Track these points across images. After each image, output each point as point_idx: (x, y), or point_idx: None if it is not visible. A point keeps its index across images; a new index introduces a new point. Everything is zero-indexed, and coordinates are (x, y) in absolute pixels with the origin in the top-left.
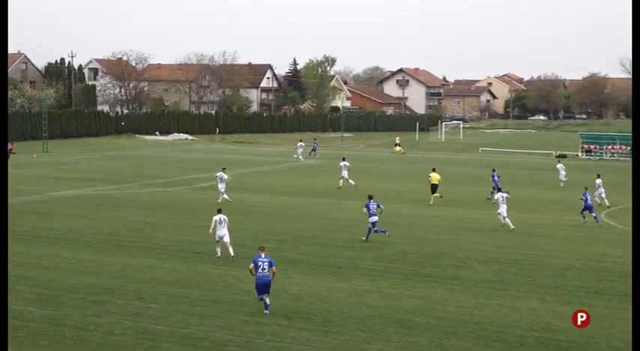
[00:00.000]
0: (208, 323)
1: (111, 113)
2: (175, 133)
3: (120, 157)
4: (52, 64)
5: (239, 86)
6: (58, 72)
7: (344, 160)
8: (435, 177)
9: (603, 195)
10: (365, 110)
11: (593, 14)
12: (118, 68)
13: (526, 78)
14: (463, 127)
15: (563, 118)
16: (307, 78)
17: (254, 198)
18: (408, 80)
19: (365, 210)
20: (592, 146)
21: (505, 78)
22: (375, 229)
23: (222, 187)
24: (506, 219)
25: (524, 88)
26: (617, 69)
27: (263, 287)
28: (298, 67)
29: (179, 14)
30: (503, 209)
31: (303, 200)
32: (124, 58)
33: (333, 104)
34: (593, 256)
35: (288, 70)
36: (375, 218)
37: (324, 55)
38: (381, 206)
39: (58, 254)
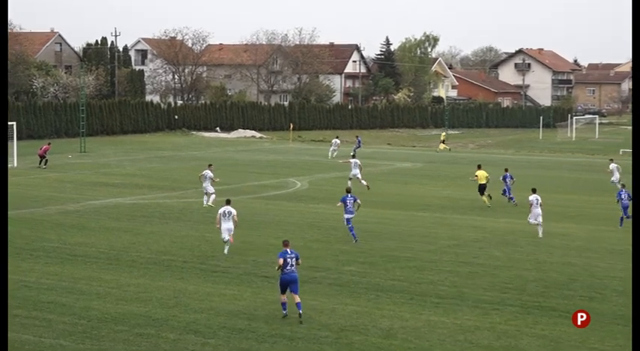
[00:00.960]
0: None
1: (162, 105)
2: (240, 130)
3: (172, 158)
4: (91, 45)
5: (318, 72)
6: (99, 55)
7: (354, 157)
8: (482, 175)
9: None
10: (475, 101)
11: None
12: (171, 50)
13: None
14: (599, 123)
15: None
16: (403, 61)
17: (333, 210)
18: (529, 64)
19: (340, 204)
20: None
21: None
22: (350, 227)
23: (206, 186)
24: (538, 226)
25: None
26: None
27: (289, 284)
28: (392, 47)
29: None
30: (535, 214)
31: (396, 213)
32: (179, 37)
33: (435, 94)
34: None
35: (379, 52)
36: (351, 215)
37: (424, 33)
38: (358, 201)
39: (98, 277)
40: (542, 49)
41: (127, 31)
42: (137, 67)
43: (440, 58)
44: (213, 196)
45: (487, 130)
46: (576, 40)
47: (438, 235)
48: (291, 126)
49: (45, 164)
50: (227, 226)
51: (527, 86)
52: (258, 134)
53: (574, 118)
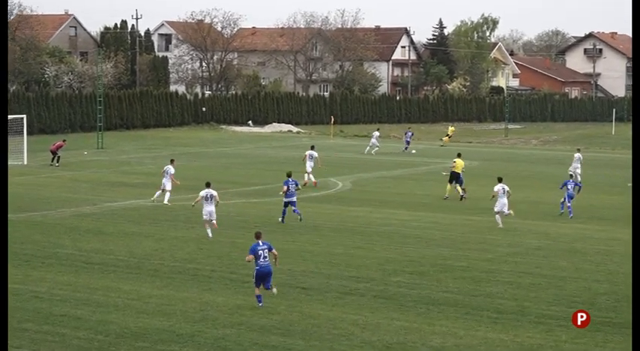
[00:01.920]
0: None
1: (188, 95)
2: (275, 123)
3: (199, 155)
4: (109, 29)
5: (363, 58)
6: (118, 40)
7: (312, 148)
8: (459, 164)
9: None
10: (539, 92)
11: None
12: (199, 34)
13: None
14: None
15: None
16: (458, 47)
17: (379, 213)
18: (601, 50)
19: (285, 188)
20: None
21: None
22: (294, 209)
23: (165, 182)
24: (500, 214)
25: None
26: None
27: (265, 277)
28: (445, 31)
29: None
30: (501, 204)
31: (448, 217)
32: (207, 20)
33: (494, 84)
34: None
35: (431, 37)
36: (293, 199)
37: (482, 15)
38: (299, 185)
39: (116, 287)
40: (615, 33)
41: (149, 14)
42: (160, 54)
43: (500, 44)
44: (168, 194)
45: (552, 124)
46: None
47: (496, 242)
48: (332, 119)
49: (57, 162)
50: (209, 209)
51: (599, 75)
52: (295, 129)
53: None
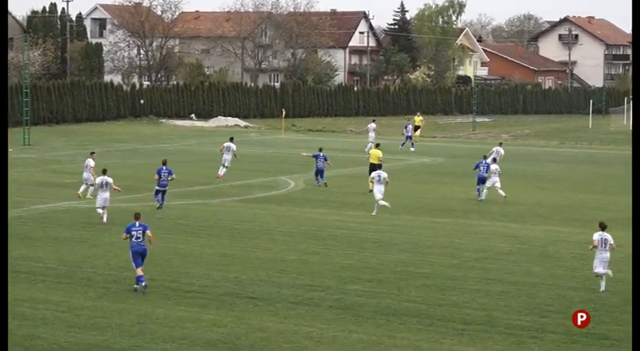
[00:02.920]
0: None
1: (125, 86)
2: (220, 117)
3: (137, 152)
4: (37, 13)
5: (317, 46)
6: (47, 25)
7: (231, 140)
8: (375, 154)
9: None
10: (510, 82)
11: None
12: (136, 19)
13: None
14: None
15: None
16: (421, 33)
17: (336, 215)
18: (577, 36)
19: (156, 177)
20: None
21: None
22: (158, 198)
23: (87, 177)
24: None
25: None
26: None
27: (139, 257)
28: (408, 16)
29: None
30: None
31: (411, 219)
32: (145, 3)
33: (461, 73)
34: None
35: (391, 22)
36: (164, 188)
37: None
38: (174, 175)
39: (45, 298)
40: (592, 18)
41: None
42: (94, 40)
43: (467, 29)
44: (91, 188)
45: (525, 117)
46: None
47: (463, 247)
48: (284, 112)
49: None
50: (104, 196)
51: (575, 63)
52: (242, 122)
53: (632, 102)
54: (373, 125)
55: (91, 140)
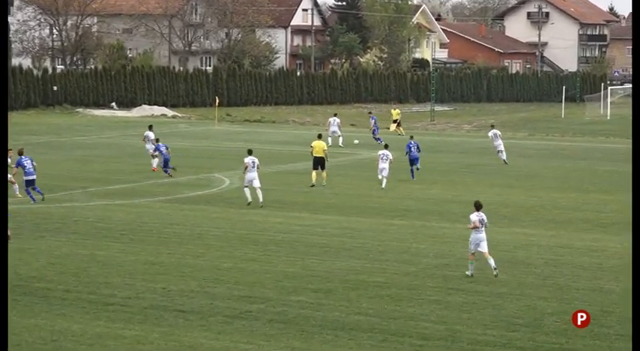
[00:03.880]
0: None
1: (35, 71)
2: (145, 106)
3: (50, 145)
4: None
5: (255, 25)
6: None
7: (150, 128)
8: (319, 146)
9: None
10: (472, 66)
11: None
12: None
13: None
14: None
15: None
16: (372, 11)
17: (277, 217)
18: (547, 13)
19: (15, 170)
20: None
21: None
22: (27, 189)
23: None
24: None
25: None
26: None
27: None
28: None
29: None
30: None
31: (363, 221)
32: None
33: (417, 56)
34: None
35: None
36: (32, 177)
37: None
38: (34, 163)
39: None
40: None
41: None
42: None
43: (423, 6)
44: (15, 186)
45: (489, 106)
46: None
47: (421, 252)
48: (217, 101)
49: None
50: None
51: (545, 44)
52: (170, 112)
53: (609, 88)
54: (337, 120)
55: None
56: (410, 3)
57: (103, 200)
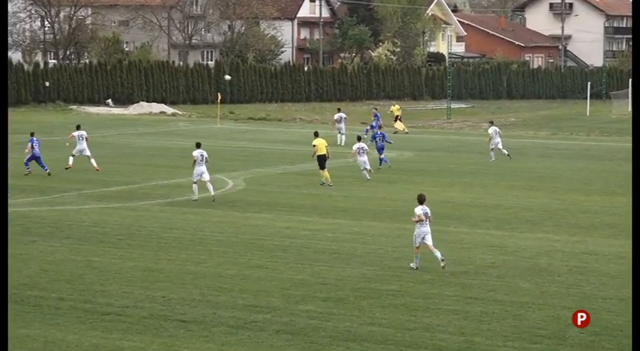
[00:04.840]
0: None
1: (26, 66)
2: (143, 103)
3: (41, 145)
4: None
5: (259, 16)
6: None
7: (78, 128)
8: (321, 144)
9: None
10: (491, 60)
11: None
12: None
13: None
14: None
15: None
16: (385, 2)
17: (284, 221)
18: (571, 5)
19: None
20: None
21: None
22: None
23: None
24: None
25: None
26: None
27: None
28: None
29: None
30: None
31: (375, 226)
32: None
33: (433, 49)
34: None
35: None
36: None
37: None
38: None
39: None
40: None
41: None
42: None
43: None
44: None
45: (509, 103)
46: None
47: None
48: (220, 97)
49: None
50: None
51: (569, 37)
52: (169, 109)
53: (632, 104)
54: (343, 115)
55: None
56: None
57: (99, 203)
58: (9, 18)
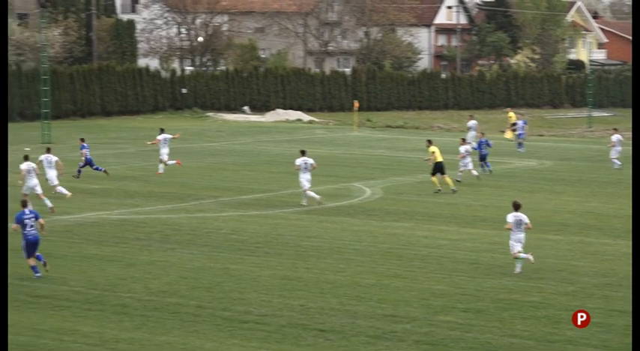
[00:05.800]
0: None
1: (163, 72)
2: (279, 110)
3: (179, 152)
4: None
5: (395, 23)
6: None
7: (162, 131)
8: (438, 151)
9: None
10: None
11: None
12: None
13: None
14: None
15: None
16: (523, 8)
17: (422, 231)
18: None
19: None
20: None
21: None
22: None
23: (52, 176)
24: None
25: None
26: None
27: (33, 246)
28: None
29: None
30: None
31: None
32: None
33: (573, 57)
34: None
35: None
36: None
37: None
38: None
39: (72, 328)
40: None
41: None
42: (125, 17)
43: (579, 3)
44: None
45: None
46: None
47: (581, 270)
48: (356, 105)
49: None
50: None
51: None
52: (306, 117)
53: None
54: (475, 122)
55: (122, 137)
56: (564, 0)
57: (236, 210)
58: (146, 25)
